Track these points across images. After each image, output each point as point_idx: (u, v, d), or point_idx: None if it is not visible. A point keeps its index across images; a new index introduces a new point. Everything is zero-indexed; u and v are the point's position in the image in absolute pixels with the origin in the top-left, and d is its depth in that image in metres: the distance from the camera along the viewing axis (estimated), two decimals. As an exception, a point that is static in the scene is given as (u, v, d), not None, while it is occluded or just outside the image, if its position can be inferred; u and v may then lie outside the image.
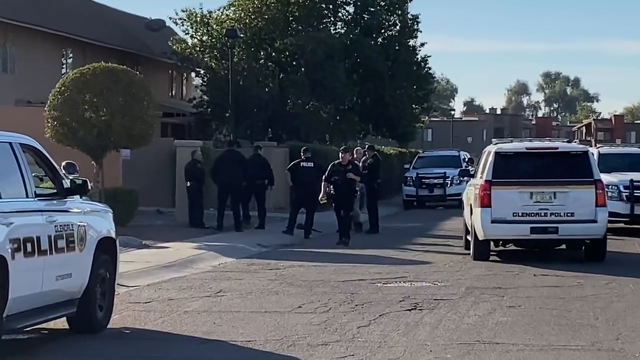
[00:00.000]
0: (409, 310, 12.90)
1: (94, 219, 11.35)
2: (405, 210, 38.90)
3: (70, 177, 11.02)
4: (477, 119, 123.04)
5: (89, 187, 11.09)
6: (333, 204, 23.13)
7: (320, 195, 22.98)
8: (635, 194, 24.91)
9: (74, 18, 41.51)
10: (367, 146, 28.05)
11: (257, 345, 10.67)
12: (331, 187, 22.74)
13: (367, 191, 26.42)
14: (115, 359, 10.31)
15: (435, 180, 39.72)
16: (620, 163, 26.70)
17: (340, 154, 23.37)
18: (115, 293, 12.10)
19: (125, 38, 44.86)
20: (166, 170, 30.77)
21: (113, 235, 11.73)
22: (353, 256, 20.01)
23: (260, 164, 26.62)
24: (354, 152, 27.03)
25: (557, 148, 19.56)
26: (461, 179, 34.26)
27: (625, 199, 24.94)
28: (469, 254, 19.54)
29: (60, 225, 10.41)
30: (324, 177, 22.92)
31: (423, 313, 12.67)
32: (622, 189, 25.01)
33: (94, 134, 22.36)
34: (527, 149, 19.51)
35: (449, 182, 39.21)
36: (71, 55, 40.80)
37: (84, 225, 10.94)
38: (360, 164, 26.06)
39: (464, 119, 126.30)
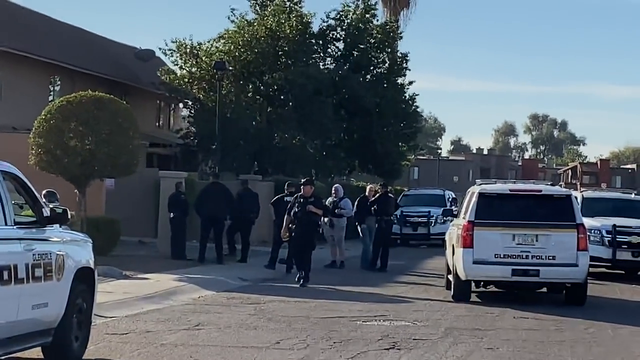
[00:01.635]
0: (387, 349, 12.85)
1: (73, 248, 11.29)
2: (388, 248, 38.77)
3: (51, 206, 10.98)
4: (463, 158, 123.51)
5: (69, 216, 11.06)
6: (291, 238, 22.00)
7: (282, 231, 22.24)
8: (617, 239, 24.99)
9: (63, 45, 41.56)
10: (381, 184, 28.04)
11: (232, 381, 10.60)
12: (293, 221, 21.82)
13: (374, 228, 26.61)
14: (89, 390, 10.24)
15: (420, 219, 39.76)
16: (603, 207, 26.77)
17: (301, 187, 22.38)
18: (93, 324, 11.99)
19: (115, 67, 44.92)
20: (150, 200, 30.73)
21: (92, 265, 11.67)
22: (334, 293, 19.97)
23: (252, 197, 26.81)
24: (335, 189, 27.17)
25: (540, 191, 19.59)
26: (445, 218, 34.39)
27: (607, 243, 25.00)
28: (450, 294, 19.51)
29: (38, 254, 10.34)
30: (286, 212, 22.13)
31: (401, 352, 12.61)
32: (604, 233, 25.08)
33: (78, 162, 22.37)
34: (510, 190, 19.53)
35: (433, 221, 39.28)
36: (59, 82, 40.76)
37: (63, 255, 10.87)
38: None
39: (450, 158, 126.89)
